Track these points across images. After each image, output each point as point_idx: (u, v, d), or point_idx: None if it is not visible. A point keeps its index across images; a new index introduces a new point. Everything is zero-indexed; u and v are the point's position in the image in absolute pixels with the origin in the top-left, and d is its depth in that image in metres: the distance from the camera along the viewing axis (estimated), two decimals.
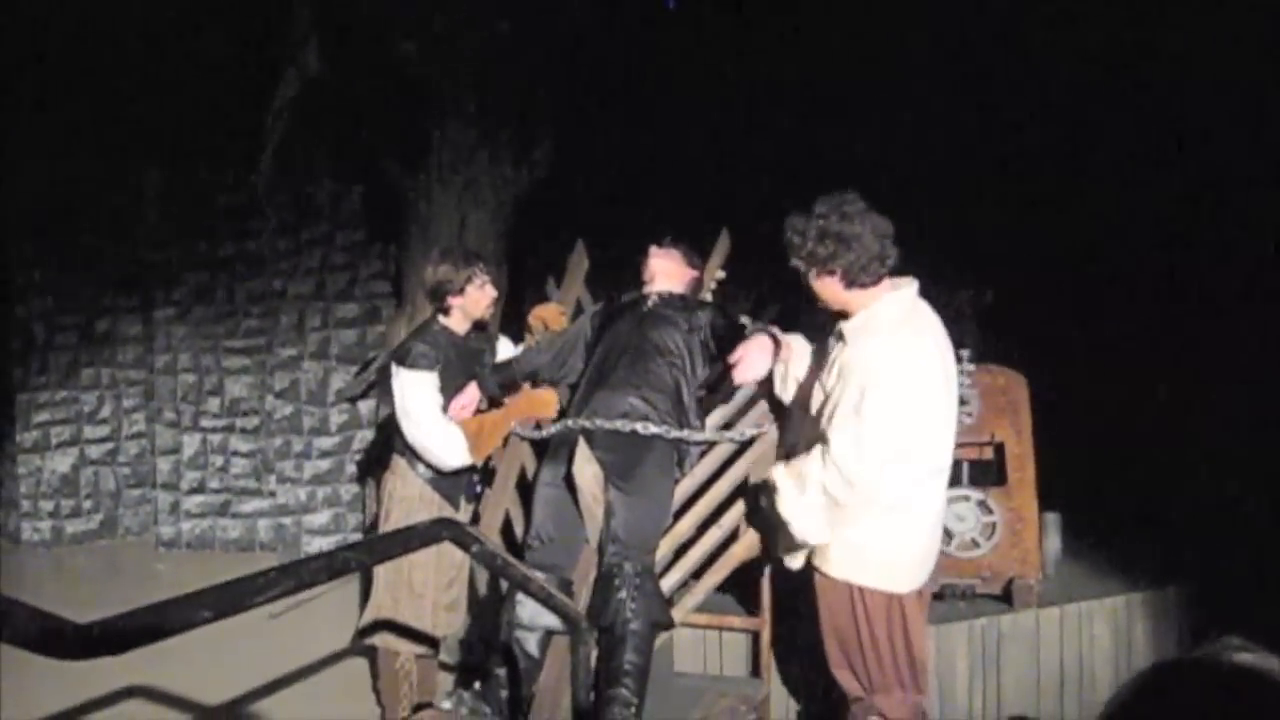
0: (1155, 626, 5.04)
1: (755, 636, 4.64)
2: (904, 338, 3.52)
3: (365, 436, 8.11)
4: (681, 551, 4.36)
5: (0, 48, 7.44)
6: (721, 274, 5.02)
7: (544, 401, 4.66)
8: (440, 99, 6.94)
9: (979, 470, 5.21)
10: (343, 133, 7.54)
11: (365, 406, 8.16)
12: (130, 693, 5.06)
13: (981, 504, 4.99)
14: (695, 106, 7.80)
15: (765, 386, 4.28)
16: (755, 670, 4.66)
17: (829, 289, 3.60)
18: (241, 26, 7.21)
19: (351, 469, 8.19)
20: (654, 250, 4.66)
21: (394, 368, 4.64)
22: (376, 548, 2.93)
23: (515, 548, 4.35)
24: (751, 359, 4.01)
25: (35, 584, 7.32)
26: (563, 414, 4.53)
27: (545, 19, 6.96)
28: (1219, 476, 5.87)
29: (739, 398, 4.56)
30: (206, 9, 7.40)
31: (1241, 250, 6.45)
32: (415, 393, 4.54)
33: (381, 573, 4.65)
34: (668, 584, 4.23)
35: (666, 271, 4.62)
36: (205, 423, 8.49)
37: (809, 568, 3.75)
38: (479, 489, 4.80)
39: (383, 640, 4.67)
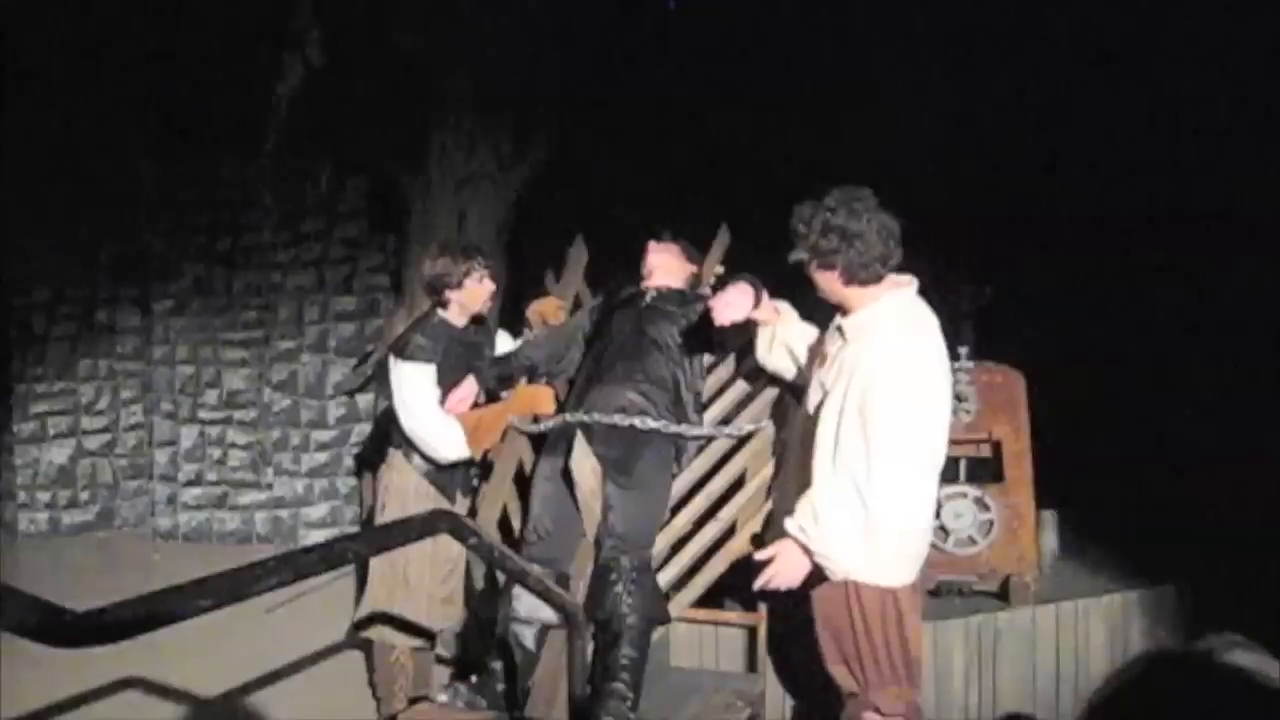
0: (1152, 624, 5.03)
1: (752, 632, 4.64)
2: (907, 338, 3.51)
3: (363, 429, 8.11)
4: (678, 546, 4.35)
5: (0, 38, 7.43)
6: (720, 269, 5.02)
7: (541, 396, 4.66)
8: (440, 92, 6.94)
9: (976, 467, 5.22)
10: (342, 126, 7.53)
11: (363, 399, 8.16)
12: (126, 685, 5.06)
13: (979, 501, 4.99)
14: (695, 101, 7.80)
15: (746, 347, 4.26)
16: (752, 665, 4.66)
17: (828, 283, 3.59)
18: (242, 18, 7.19)
19: (349, 462, 8.20)
20: (653, 245, 4.66)
21: (392, 360, 4.64)
22: (375, 538, 2.93)
23: (513, 541, 4.35)
24: (730, 298, 3.95)
25: (32, 575, 7.32)
26: (561, 408, 4.53)
27: (545, 13, 6.96)
28: (1216, 474, 5.87)
29: (737, 393, 4.56)
30: (207, 0, 7.39)
31: (1240, 247, 6.44)
32: (413, 385, 4.54)
33: (377, 566, 4.65)
34: (665, 579, 4.23)
35: (665, 266, 4.62)
36: (203, 415, 8.49)
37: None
38: (475, 482, 4.80)
39: (378, 634, 4.67)
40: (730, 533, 4.31)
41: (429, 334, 4.61)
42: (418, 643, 4.70)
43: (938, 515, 4.82)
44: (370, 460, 6.85)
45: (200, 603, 1.83)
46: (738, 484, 4.37)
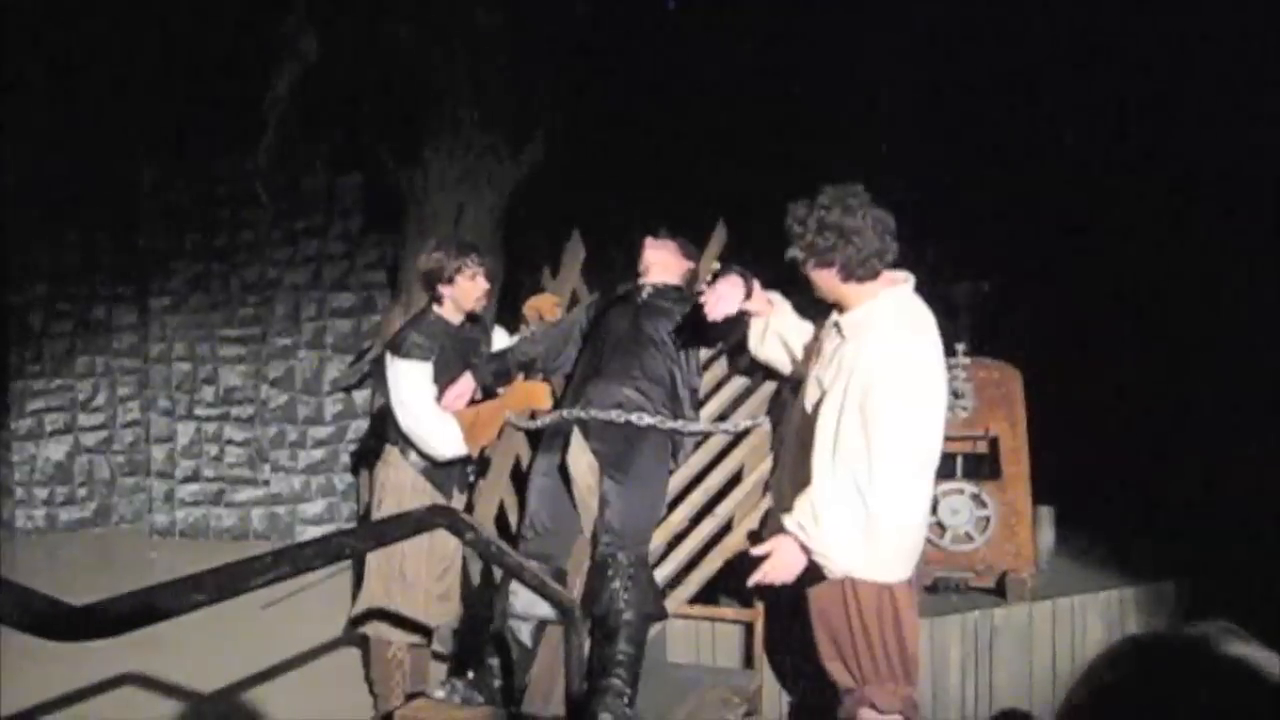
0: (1149, 620, 5.04)
1: (748, 628, 4.64)
2: (905, 335, 3.51)
3: (360, 426, 8.11)
4: (675, 542, 4.36)
5: None
6: (717, 266, 5.01)
7: (538, 393, 4.66)
8: (437, 88, 6.93)
9: (973, 463, 5.22)
10: (339, 122, 7.53)
11: (360, 396, 8.16)
12: (123, 681, 5.06)
13: (975, 497, 4.99)
14: (693, 97, 7.79)
15: (742, 340, 4.27)
16: (748, 661, 4.66)
17: (825, 281, 3.59)
18: (238, 14, 7.18)
19: (346, 458, 8.19)
20: (650, 242, 4.66)
21: (389, 357, 4.64)
22: (372, 533, 2.93)
23: (509, 537, 4.35)
24: (721, 291, 3.94)
25: (29, 571, 7.31)
26: (557, 404, 4.54)
27: (543, 8, 6.96)
28: (1214, 470, 5.88)
29: (733, 389, 4.56)
30: None
31: (1239, 243, 6.45)
32: (410, 383, 4.54)
33: (373, 562, 4.65)
34: (661, 575, 4.24)
35: (662, 263, 4.62)
36: (200, 411, 8.48)
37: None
38: (472, 479, 4.81)
39: (375, 630, 4.67)
40: (727, 529, 4.32)
41: (425, 331, 4.61)
42: (415, 639, 4.70)
43: (934, 511, 4.83)
44: (367, 457, 6.85)
45: (197, 597, 1.83)
46: (734, 480, 4.38)
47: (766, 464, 4.32)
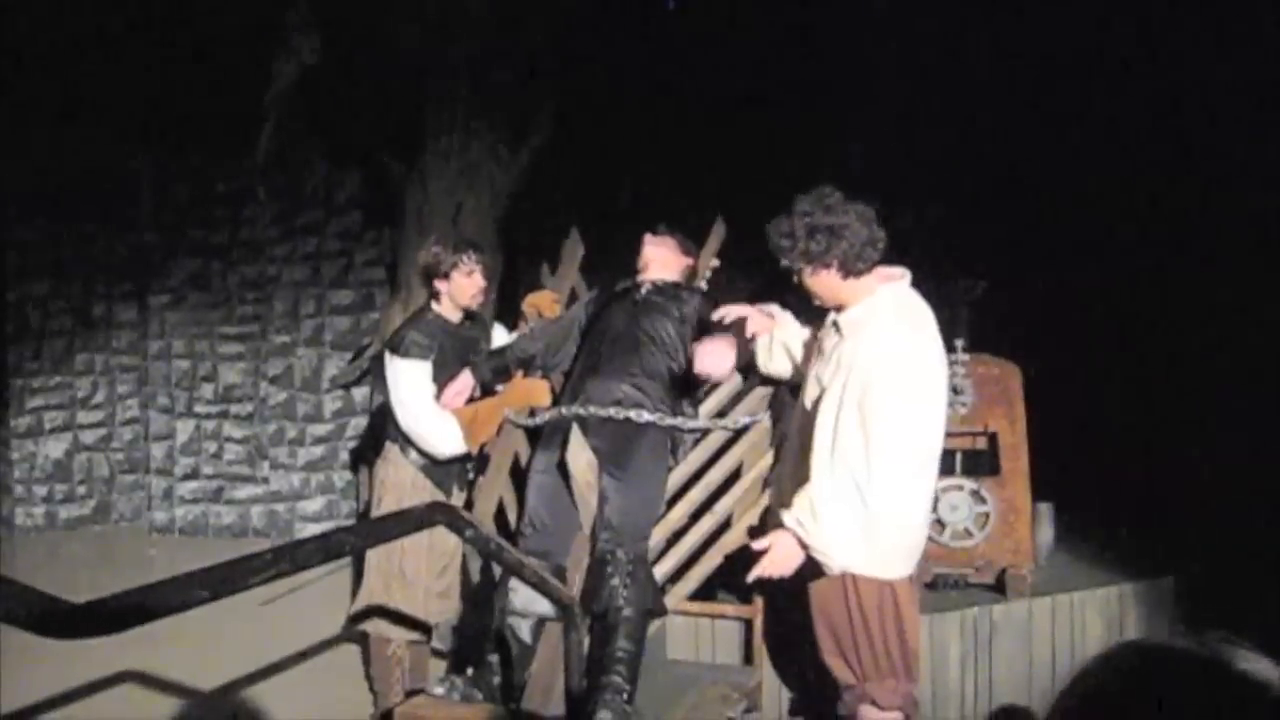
0: (1147, 616, 5.04)
1: (748, 624, 4.65)
2: (904, 331, 3.52)
3: (359, 423, 8.11)
4: (674, 539, 4.36)
5: None
6: (715, 263, 5.02)
7: (537, 390, 4.66)
8: (436, 86, 6.93)
9: (972, 460, 5.22)
10: (338, 119, 7.52)
11: (359, 393, 8.16)
12: (123, 678, 5.06)
13: (975, 494, 4.99)
14: (692, 94, 7.79)
15: (751, 361, 4.29)
16: (748, 658, 4.66)
17: (826, 283, 3.60)
18: (237, 12, 7.18)
19: (345, 456, 8.20)
20: (648, 238, 4.66)
21: (388, 356, 4.64)
22: (371, 530, 2.94)
23: (509, 535, 4.35)
24: (710, 348, 3.95)
25: (28, 569, 7.31)
26: (556, 401, 4.53)
27: (542, 5, 6.95)
28: (1213, 467, 5.88)
29: (732, 386, 4.56)
30: None
31: (1240, 239, 6.45)
32: (409, 381, 4.54)
33: (373, 559, 4.65)
34: (661, 571, 4.24)
35: (661, 260, 4.61)
36: (199, 409, 8.49)
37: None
38: (471, 476, 4.81)
39: (375, 627, 4.67)
40: (726, 525, 4.32)
41: (424, 330, 4.61)
42: (414, 636, 4.71)
43: (934, 508, 4.83)
44: (366, 454, 6.86)
45: (196, 594, 1.84)
46: (734, 477, 4.38)
47: (765, 461, 4.32)
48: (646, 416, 4.17)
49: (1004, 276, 6.44)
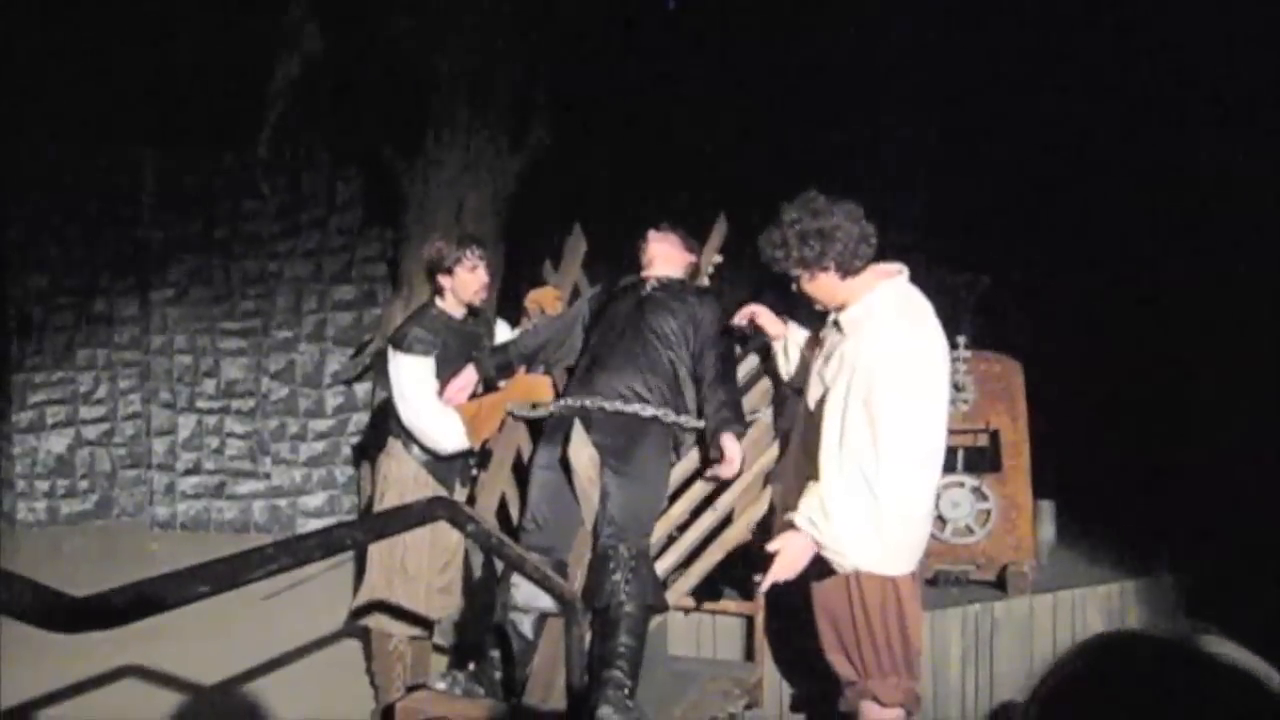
0: (1148, 614, 5.05)
1: (749, 620, 4.65)
2: (905, 326, 3.52)
3: (361, 419, 8.12)
4: (676, 535, 4.36)
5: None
6: (718, 258, 5.02)
7: (539, 385, 4.66)
8: (438, 81, 6.92)
9: (974, 457, 5.22)
10: (340, 114, 7.52)
11: (361, 389, 8.16)
12: (124, 672, 5.07)
13: (976, 491, 5.00)
14: (694, 89, 7.78)
15: (768, 364, 4.32)
16: (749, 654, 4.67)
17: (825, 286, 3.60)
18: (239, 7, 7.18)
19: (347, 451, 8.20)
20: (652, 234, 4.65)
21: (391, 352, 4.64)
22: (373, 525, 2.93)
23: (510, 530, 4.35)
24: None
25: (30, 564, 7.32)
26: (559, 397, 4.53)
27: (543, 1, 6.95)
28: (1214, 464, 5.88)
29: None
30: None
31: (1242, 236, 6.44)
32: (412, 377, 4.54)
33: (375, 554, 4.66)
34: (662, 567, 4.23)
35: (664, 256, 4.61)
36: (201, 404, 8.49)
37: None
38: (474, 472, 4.81)
39: (376, 622, 4.68)
40: (728, 522, 4.31)
41: (427, 326, 4.61)
42: (416, 631, 4.71)
43: (935, 505, 4.84)
44: (369, 449, 6.85)
45: (198, 589, 1.83)
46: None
47: (767, 457, 4.32)
48: (651, 412, 4.17)
49: (1006, 273, 6.44)
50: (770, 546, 3.51)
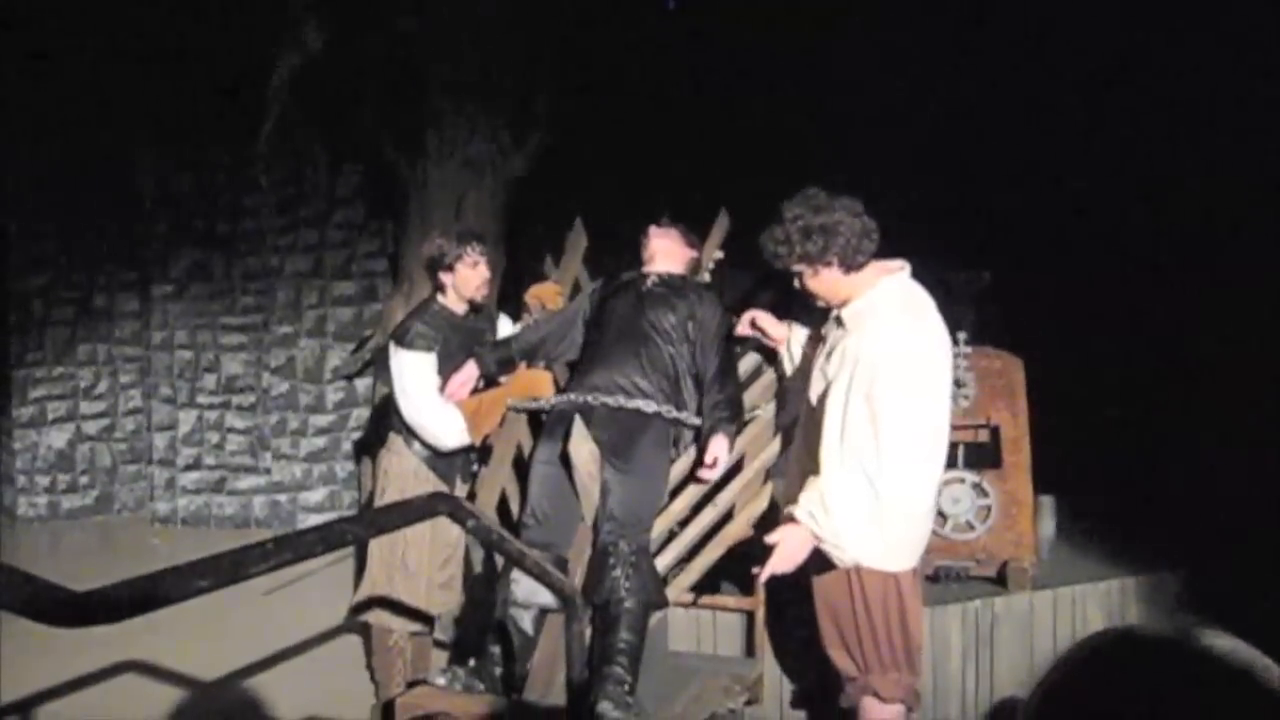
0: (1149, 610, 5.05)
1: (749, 616, 4.65)
2: (907, 322, 3.53)
3: (361, 414, 8.12)
4: (676, 531, 4.36)
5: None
6: (719, 254, 5.01)
7: (540, 381, 4.65)
8: (438, 77, 6.92)
9: (974, 453, 5.22)
10: (341, 110, 7.51)
11: (361, 384, 8.16)
12: (124, 667, 5.08)
13: (977, 486, 5.00)
14: (695, 86, 7.78)
15: (776, 366, 4.32)
16: (749, 650, 4.67)
17: (829, 281, 3.60)
18: (240, 2, 7.17)
19: (347, 446, 8.21)
20: (653, 230, 4.65)
21: (392, 347, 4.64)
22: (374, 520, 2.94)
23: (511, 526, 4.35)
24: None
25: (31, 559, 7.33)
26: (560, 393, 4.53)
27: None
28: (1214, 461, 5.88)
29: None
30: None
31: (1243, 232, 6.44)
32: (413, 373, 4.54)
33: (375, 550, 4.66)
34: (662, 563, 4.23)
35: (666, 251, 4.61)
36: (201, 399, 8.49)
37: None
38: (475, 468, 4.80)
39: (376, 618, 4.68)
40: (728, 517, 4.31)
41: (429, 322, 4.61)
42: (416, 627, 4.71)
43: (936, 500, 4.84)
44: (370, 445, 6.85)
45: (199, 584, 1.84)
46: (736, 468, 4.37)
47: (767, 453, 4.32)
48: (652, 408, 4.17)
49: (1006, 269, 6.43)
50: (769, 538, 3.51)
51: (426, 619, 4.72)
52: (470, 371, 4.57)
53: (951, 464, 4.94)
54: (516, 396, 4.60)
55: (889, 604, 3.59)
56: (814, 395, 3.71)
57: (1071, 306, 6.89)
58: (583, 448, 4.14)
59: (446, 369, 4.57)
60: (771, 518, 4.09)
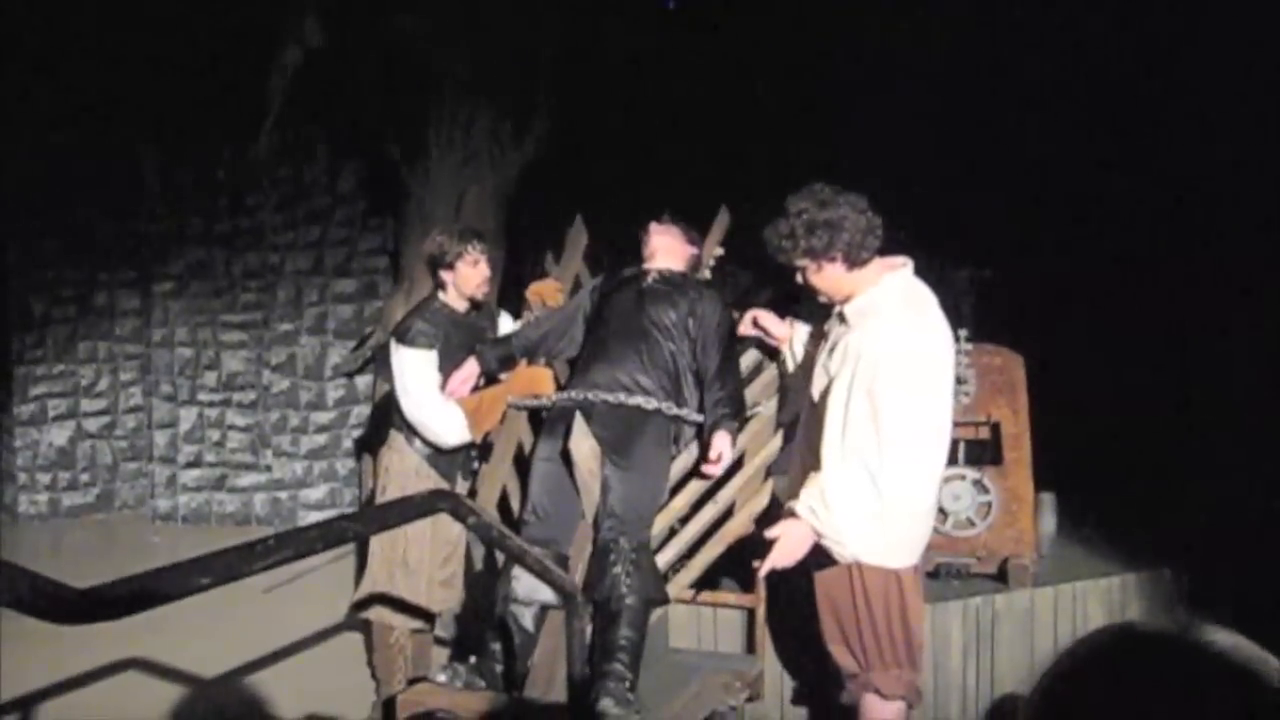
0: (1149, 607, 5.04)
1: (750, 613, 4.65)
2: (910, 319, 3.53)
3: (362, 412, 8.12)
4: (677, 528, 4.36)
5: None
6: (720, 251, 5.01)
7: (540, 378, 4.65)
8: (439, 73, 6.92)
9: (975, 449, 5.22)
10: (341, 107, 7.51)
11: (362, 382, 8.16)
12: (125, 665, 5.07)
13: (977, 483, 4.99)
14: (695, 83, 7.77)
15: (777, 363, 4.32)
16: (750, 647, 4.66)
17: (832, 277, 3.60)
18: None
19: (348, 444, 8.21)
20: (654, 227, 4.64)
21: (393, 345, 4.64)
22: (374, 517, 2.93)
23: (511, 523, 4.34)
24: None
25: (31, 556, 7.32)
26: (561, 390, 4.53)
27: None
28: (1215, 458, 5.88)
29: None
30: None
31: (1243, 228, 6.44)
32: (414, 371, 4.54)
33: (376, 548, 4.66)
34: (663, 560, 4.24)
35: (666, 248, 4.60)
36: (202, 397, 8.49)
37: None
38: (476, 465, 4.80)
39: (377, 615, 4.68)
40: (729, 514, 4.31)
41: (430, 319, 4.61)
42: (417, 624, 4.71)
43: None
44: (370, 442, 6.85)
45: (199, 581, 1.83)
46: (736, 465, 4.37)
47: (768, 450, 4.32)
48: (653, 405, 4.17)
49: (1007, 266, 6.44)
50: (770, 533, 3.51)
51: (427, 616, 4.73)
52: (471, 369, 4.57)
53: (952, 461, 4.94)
54: (517, 394, 4.60)
55: (890, 600, 3.59)
56: (816, 391, 3.71)
57: (1072, 303, 6.89)
58: (583, 445, 4.14)
59: (447, 366, 4.57)
60: (772, 515, 4.09)
